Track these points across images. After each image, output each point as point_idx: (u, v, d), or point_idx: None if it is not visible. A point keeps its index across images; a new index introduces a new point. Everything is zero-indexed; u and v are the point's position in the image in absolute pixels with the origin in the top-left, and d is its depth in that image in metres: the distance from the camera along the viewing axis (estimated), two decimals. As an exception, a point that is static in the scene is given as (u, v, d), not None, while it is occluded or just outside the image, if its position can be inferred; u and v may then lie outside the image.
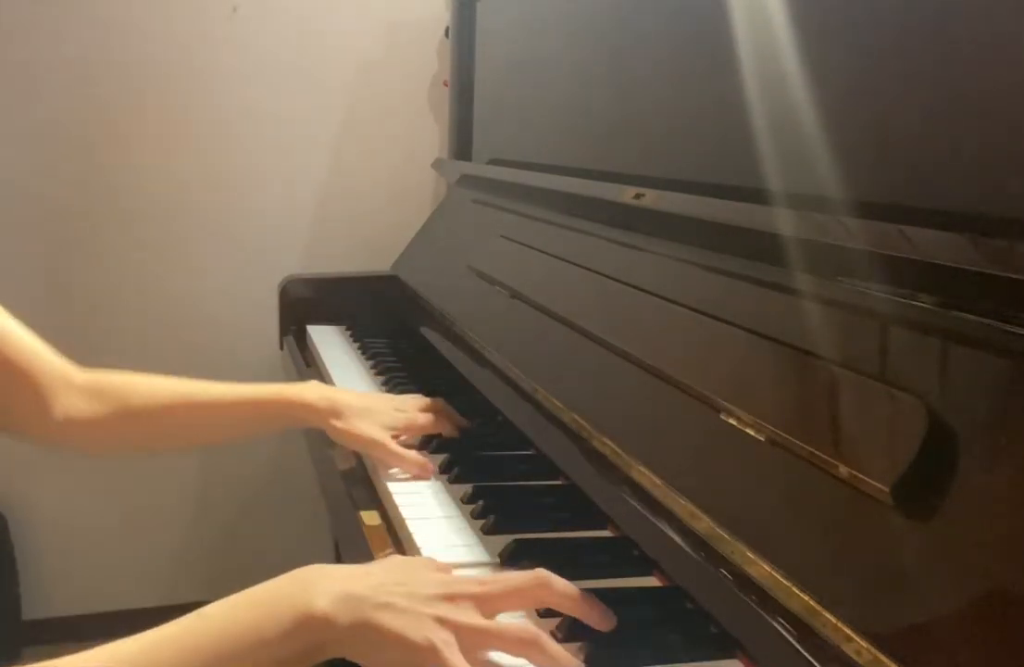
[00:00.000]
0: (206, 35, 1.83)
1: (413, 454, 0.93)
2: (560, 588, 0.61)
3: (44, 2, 1.74)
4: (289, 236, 1.94)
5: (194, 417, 0.94)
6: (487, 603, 0.59)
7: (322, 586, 0.57)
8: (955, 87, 0.60)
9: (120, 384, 0.94)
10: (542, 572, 0.62)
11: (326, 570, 0.60)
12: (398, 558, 0.67)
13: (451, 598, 0.58)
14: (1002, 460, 0.48)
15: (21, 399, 0.88)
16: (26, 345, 0.89)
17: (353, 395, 1.01)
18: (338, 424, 0.94)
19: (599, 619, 0.61)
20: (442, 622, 0.56)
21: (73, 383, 0.92)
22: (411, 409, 1.01)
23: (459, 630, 0.56)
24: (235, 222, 1.92)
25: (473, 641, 0.57)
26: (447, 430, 1.02)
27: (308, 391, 0.97)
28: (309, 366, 1.41)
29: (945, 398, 0.52)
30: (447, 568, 0.66)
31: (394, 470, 0.92)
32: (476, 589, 0.60)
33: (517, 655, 0.58)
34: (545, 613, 0.65)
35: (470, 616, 0.58)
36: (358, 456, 0.99)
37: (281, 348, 1.64)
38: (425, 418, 1.00)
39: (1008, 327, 0.50)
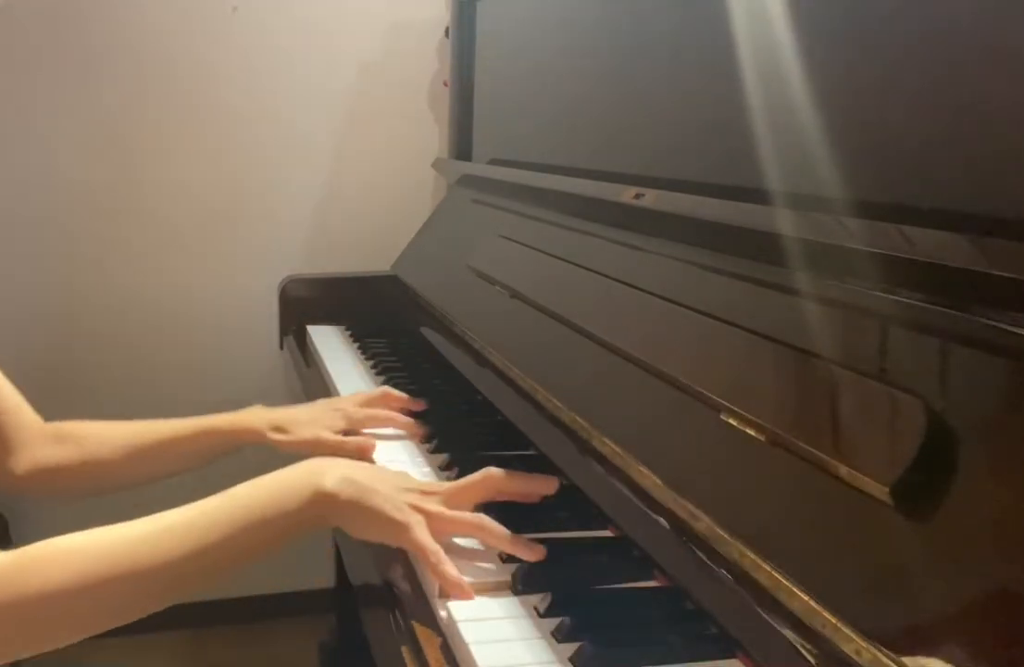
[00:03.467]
0: (206, 35, 1.83)
1: (352, 439, 1.00)
2: (504, 478, 0.77)
3: (43, 2, 1.74)
4: (289, 236, 1.94)
5: (148, 455, 1.01)
6: (451, 498, 0.76)
7: (329, 471, 0.73)
8: (955, 87, 0.60)
9: (79, 430, 1.00)
10: (493, 472, 0.77)
11: (333, 461, 0.76)
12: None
13: (423, 492, 0.75)
14: (1002, 460, 0.48)
15: None
16: (3, 395, 0.95)
17: (293, 409, 1.07)
18: (278, 437, 1.01)
19: (540, 486, 0.79)
20: (415, 508, 0.72)
21: (39, 432, 0.98)
22: (347, 406, 1.06)
23: (427, 515, 0.72)
24: (235, 222, 1.92)
25: (437, 525, 0.72)
26: (388, 424, 1.04)
27: (250, 415, 1.04)
28: (309, 366, 1.41)
29: (945, 398, 0.52)
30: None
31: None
32: (441, 488, 0.77)
33: (473, 537, 0.74)
34: (546, 613, 0.65)
35: (436, 506, 0.73)
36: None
37: (281, 348, 1.64)
38: (360, 413, 1.04)
39: (1008, 327, 0.50)
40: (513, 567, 0.70)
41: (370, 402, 1.07)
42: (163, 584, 0.66)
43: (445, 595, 0.67)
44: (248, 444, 1.03)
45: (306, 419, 1.03)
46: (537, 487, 0.80)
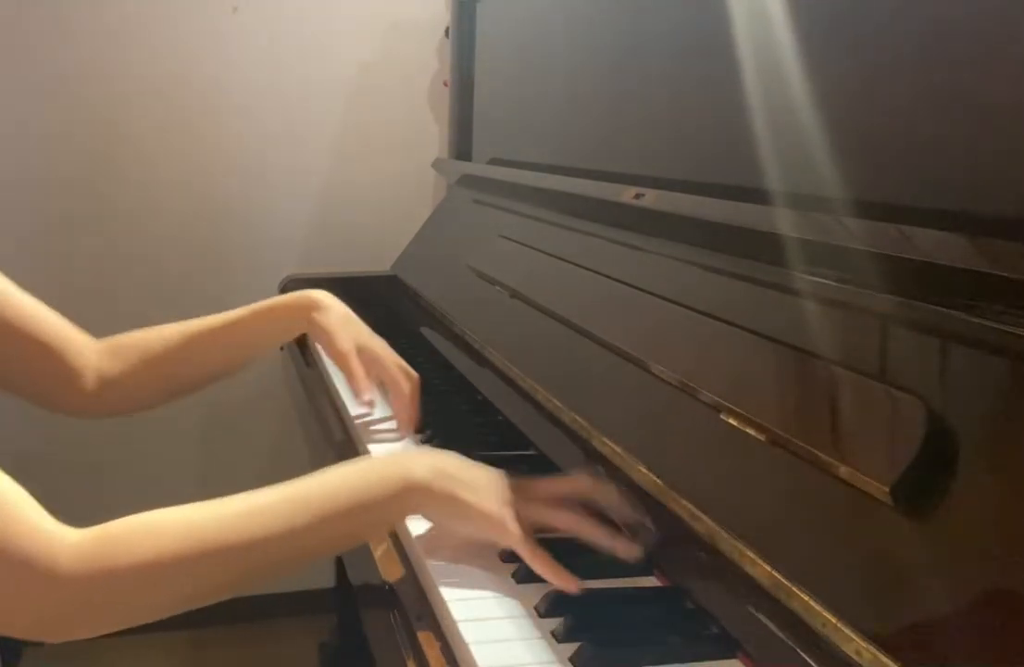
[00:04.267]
0: (206, 35, 1.83)
1: (362, 378, 1.02)
2: (598, 485, 0.75)
3: (43, 2, 1.74)
4: (289, 236, 1.94)
5: (209, 343, 1.02)
6: (542, 496, 0.73)
7: (420, 460, 0.71)
8: (955, 87, 0.60)
9: (134, 338, 1.01)
10: (586, 479, 0.76)
11: (423, 452, 0.77)
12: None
13: (516, 489, 0.72)
14: (1002, 460, 0.48)
15: (55, 374, 0.94)
16: (49, 320, 0.95)
17: (345, 312, 1.08)
18: (319, 318, 1.03)
19: (627, 514, 0.73)
20: (508, 504, 0.70)
21: (94, 348, 0.98)
22: (379, 344, 1.08)
23: (520, 511, 0.70)
24: (235, 222, 1.92)
25: (530, 517, 0.71)
26: (406, 390, 1.05)
27: (311, 292, 1.06)
28: (309, 366, 1.41)
29: (945, 398, 0.52)
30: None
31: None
32: (535, 486, 0.74)
33: (569, 532, 0.72)
34: (546, 613, 0.65)
35: (529, 503, 0.71)
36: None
37: (281, 348, 1.64)
38: (392, 361, 1.05)
39: (1008, 327, 0.50)
40: (513, 567, 0.70)
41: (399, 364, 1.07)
42: (249, 564, 0.65)
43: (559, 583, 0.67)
44: (304, 320, 1.04)
45: (344, 315, 1.06)
46: (622, 545, 0.72)
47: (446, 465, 0.72)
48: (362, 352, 1.04)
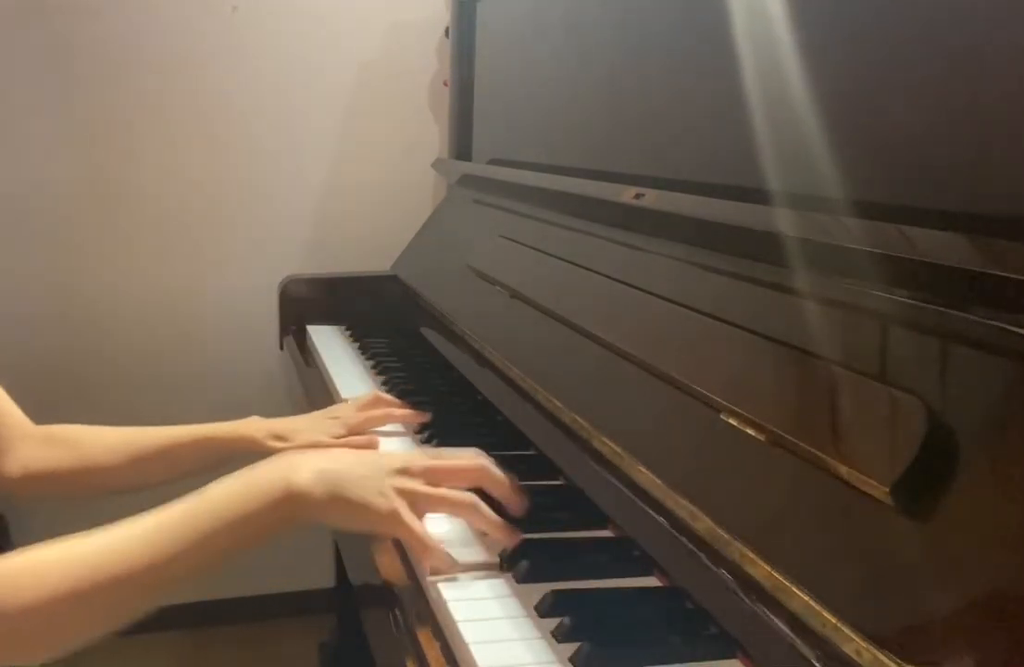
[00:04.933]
0: (206, 35, 1.83)
1: (353, 438, 0.99)
2: (495, 474, 0.75)
3: (43, 3, 1.74)
4: (289, 236, 1.94)
5: (143, 461, 1.00)
6: (435, 477, 0.73)
7: (302, 466, 0.70)
8: (955, 87, 0.60)
9: (73, 434, 0.99)
10: (482, 460, 0.76)
11: (306, 455, 0.74)
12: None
13: (406, 472, 0.72)
14: (1002, 460, 0.48)
15: None
16: None
17: (289, 420, 1.06)
18: (276, 444, 1.00)
19: (516, 505, 0.75)
20: (399, 491, 0.70)
21: (30, 435, 0.96)
22: (343, 413, 1.06)
23: (413, 496, 0.70)
24: (235, 222, 1.92)
25: (423, 505, 0.71)
26: (386, 421, 1.05)
27: (247, 424, 1.03)
28: (309, 366, 1.41)
29: (945, 398, 0.52)
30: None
31: None
32: (427, 463, 0.74)
33: (459, 516, 0.74)
34: (546, 613, 0.65)
35: (421, 485, 0.71)
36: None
37: (281, 348, 1.64)
38: (357, 417, 1.04)
39: (1008, 327, 0.50)
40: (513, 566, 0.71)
41: (363, 407, 1.06)
42: (139, 591, 0.65)
43: (435, 572, 0.68)
44: (245, 452, 1.01)
45: (304, 427, 1.02)
46: (513, 500, 0.76)
47: (329, 466, 0.71)
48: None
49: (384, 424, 1.05)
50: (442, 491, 0.72)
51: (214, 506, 0.68)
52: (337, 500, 0.68)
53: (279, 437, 1.00)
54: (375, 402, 1.07)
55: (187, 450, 1.00)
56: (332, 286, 1.66)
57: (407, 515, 0.69)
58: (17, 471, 0.95)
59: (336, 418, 1.05)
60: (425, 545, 0.69)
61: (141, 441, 1.00)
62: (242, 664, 1.89)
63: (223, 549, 0.67)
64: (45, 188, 1.81)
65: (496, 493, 0.75)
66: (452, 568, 0.69)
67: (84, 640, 0.63)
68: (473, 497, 0.72)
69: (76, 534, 0.65)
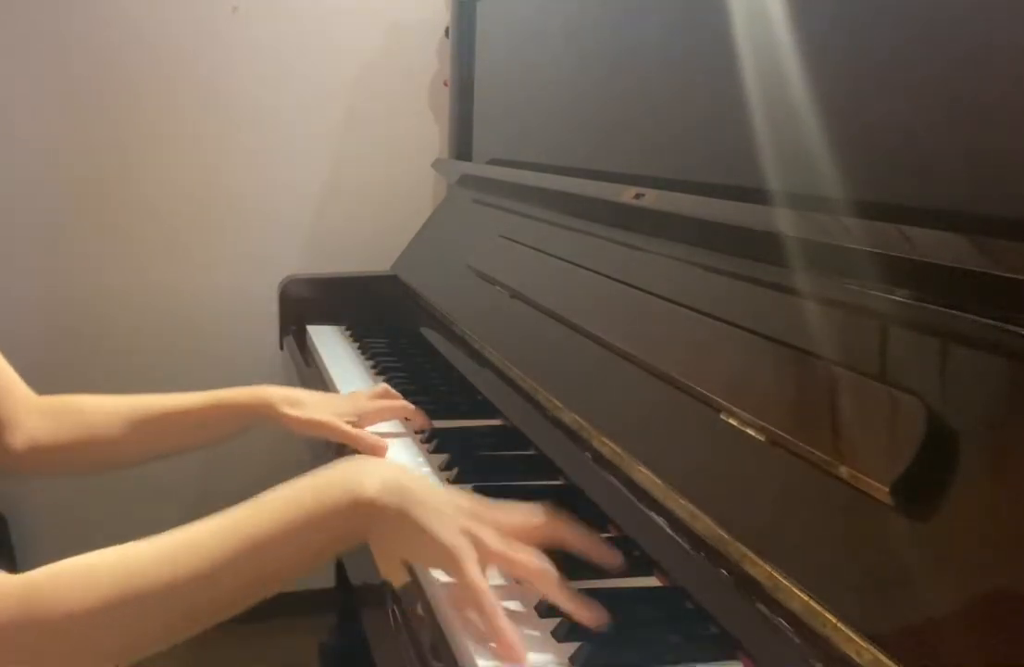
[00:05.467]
0: (206, 35, 1.83)
1: (365, 433, 0.96)
2: (570, 533, 0.67)
3: (43, 4, 1.74)
4: (289, 236, 1.95)
5: (153, 427, 0.96)
6: (511, 533, 0.64)
7: (372, 473, 0.63)
8: (955, 87, 0.60)
9: (78, 404, 0.95)
10: (560, 524, 0.67)
11: (374, 461, 0.68)
12: None
13: (479, 516, 0.64)
14: (1002, 460, 0.48)
15: None
16: None
17: (309, 393, 1.04)
18: (289, 411, 0.97)
19: (609, 558, 0.66)
20: (467, 533, 0.61)
21: (34, 407, 0.93)
22: (360, 398, 1.04)
23: (484, 547, 0.61)
24: (235, 222, 1.92)
25: (493, 560, 0.62)
26: (399, 413, 1.04)
27: (265, 388, 1.00)
28: (309, 366, 1.41)
29: (945, 398, 0.52)
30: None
31: None
32: (501, 517, 0.65)
33: (531, 584, 0.63)
34: (546, 613, 0.65)
35: (493, 538, 0.62)
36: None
37: (281, 348, 1.64)
38: (373, 405, 1.03)
39: (1008, 327, 0.50)
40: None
41: (375, 396, 1.06)
42: (187, 607, 0.59)
43: (497, 655, 0.58)
44: (260, 418, 0.98)
45: (318, 401, 1.00)
46: (598, 554, 0.67)
47: (404, 481, 0.64)
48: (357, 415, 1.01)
49: (396, 417, 1.04)
50: (520, 556, 0.63)
51: (272, 516, 0.61)
52: (408, 522, 0.61)
53: (293, 404, 0.97)
54: (384, 394, 1.07)
55: (199, 415, 0.97)
56: (332, 286, 1.66)
57: (471, 564, 0.60)
58: (23, 445, 0.91)
59: (349, 402, 1.04)
60: (490, 612, 0.59)
61: (150, 408, 0.96)
62: (242, 664, 1.89)
63: (281, 566, 0.61)
64: (44, 188, 1.81)
65: (579, 548, 0.66)
66: (512, 653, 0.58)
67: (125, 658, 0.58)
68: (553, 570, 0.62)
69: (117, 546, 0.60)
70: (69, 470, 1.00)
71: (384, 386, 1.09)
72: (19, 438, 0.92)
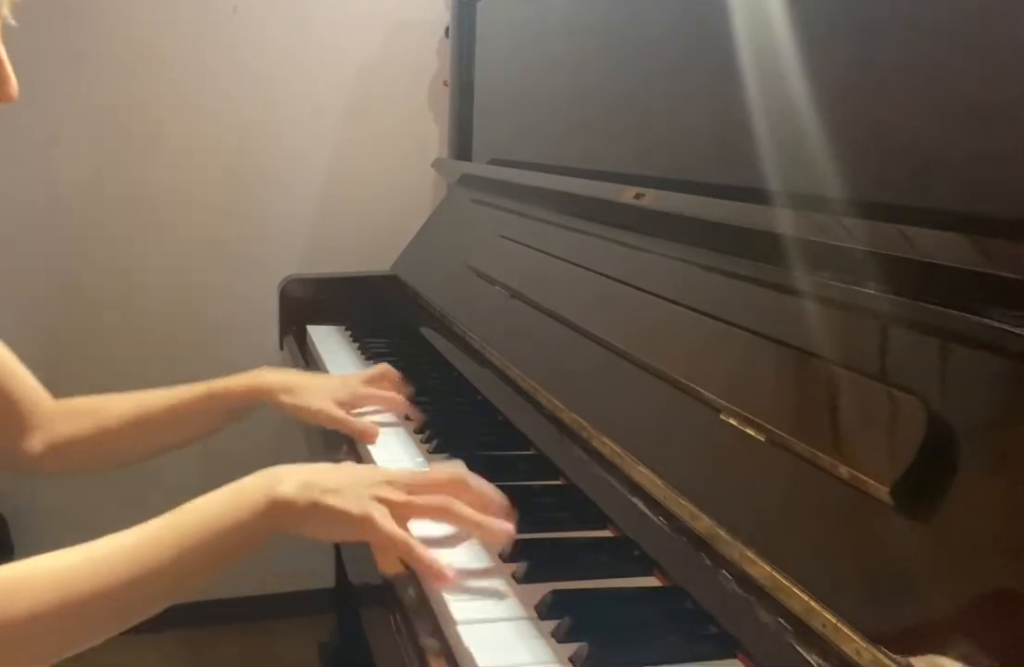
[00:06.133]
0: (206, 35, 1.83)
1: (352, 420, 1.00)
2: (475, 488, 0.73)
3: (43, 2, 1.74)
4: (289, 236, 1.95)
5: (158, 422, 0.99)
6: (414, 489, 0.72)
7: (283, 477, 0.70)
8: (955, 87, 0.60)
9: (90, 405, 0.99)
10: (461, 474, 0.74)
11: (287, 467, 0.73)
12: (351, 463, 0.80)
13: (388, 484, 0.72)
14: (1002, 460, 0.48)
15: (3, 427, 0.93)
16: (16, 373, 0.94)
17: (305, 376, 1.07)
18: (287, 399, 1.00)
19: (497, 514, 0.72)
20: (378, 499, 0.69)
21: (52, 410, 0.96)
22: (353, 382, 1.07)
23: (390, 504, 0.69)
24: (235, 222, 1.92)
25: (402, 512, 0.70)
26: (393, 396, 1.06)
27: (259, 375, 1.03)
28: (309, 366, 1.41)
29: (945, 398, 0.52)
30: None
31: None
32: (407, 478, 0.73)
33: (439, 520, 0.72)
34: (546, 614, 0.65)
35: (399, 495, 0.71)
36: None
37: (281, 348, 1.64)
38: (367, 390, 1.06)
39: (1008, 327, 0.50)
40: (513, 567, 0.71)
41: (371, 380, 1.08)
42: (121, 606, 0.63)
43: (431, 583, 0.66)
44: (258, 404, 1.02)
45: (314, 386, 1.03)
46: (491, 511, 0.73)
47: (314, 478, 0.70)
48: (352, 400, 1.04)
49: (384, 405, 1.06)
50: (418, 497, 0.71)
51: (197, 518, 0.67)
52: (317, 508, 0.68)
53: (289, 391, 1.01)
54: (383, 376, 1.09)
55: (199, 405, 1.00)
56: (332, 286, 1.66)
57: (383, 520, 0.68)
58: (42, 447, 0.95)
59: (345, 385, 1.06)
60: (404, 550, 0.67)
61: (152, 403, 0.99)
62: (242, 664, 1.89)
63: (205, 562, 0.66)
64: (43, 188, 1.81)
65: (476, 505, 0.73)
66: (442, 576, 0.66)
67: (61, 656, 0.62)
68: (448, 499, 0.71)
69: (50, 553, 0.63)
70: (86, 468, 1.03)
71: (383, 367, 1.11)
72: (39, 440, 0.95)
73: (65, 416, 0.96)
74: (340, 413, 1.00)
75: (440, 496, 0.72)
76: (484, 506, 0.73)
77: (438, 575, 0.66)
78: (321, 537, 0.71)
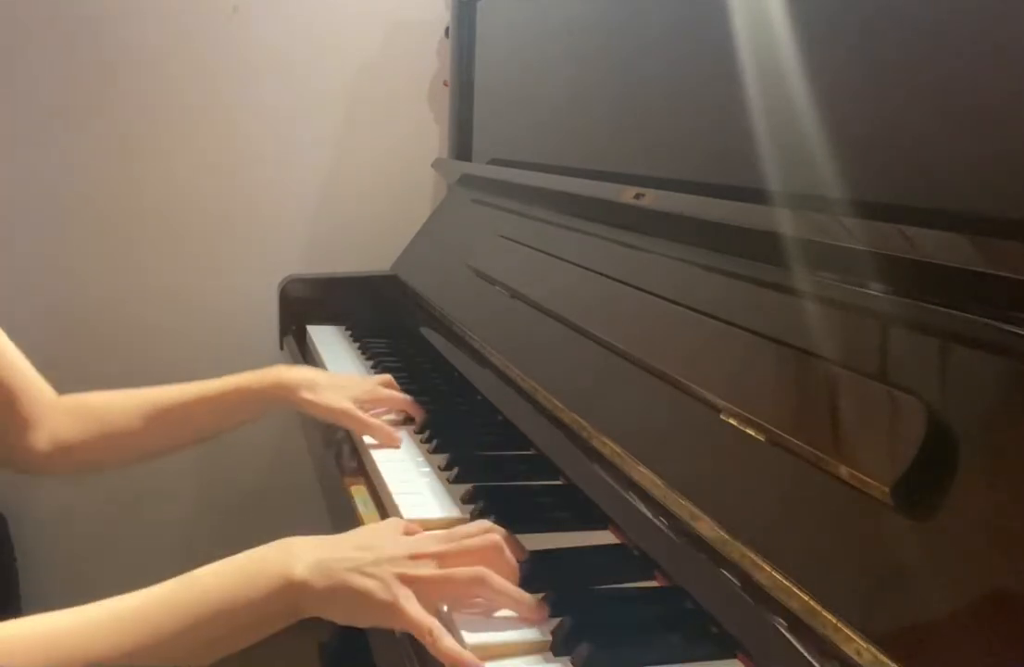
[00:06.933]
0: (206, 35, 1.83)
1: (380, 424, 0.99)
2: (508, 557, 0.67)
3: (44, 2, 1.74)
4: (289, 236, 1.94)
5: (173, 417, 0.97)
6: (445, 560, 0.65)
7: (300, 555, 0.64)
8: (955, 87, 0.60)
9: (97, 401, 0.96)
10: (495, 539, 0.68)
11: (304, 540, 0.67)
12: (370, 525, 0.73)
13: (413, 557, 0.65)
14: (1002, 460, 0.48)
15: (8, 424, 0.90)
16: (19, 368, 0.91)
17: (322, 374, 1.06)
18: (309, 396, 0.99)
19: (522, 605, 0.65)
20: (403, 579, 0.62)
21: (56, 406, 0.94)
22: (372, 384, 1.07)
23: (418, 583, 0.63)
24: (235, 222, 1.92)
25: (431, 590, 0.63)
26: (398, 405, 1.06)
27: (280, 371, 1.02)
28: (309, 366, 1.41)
29: (945, 398, 0.52)
30: (414, 528, 0.72)
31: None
32: (435, 548, 0.66)
33: (474, 596, 0.65)
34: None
35: (428, 570, 0.64)
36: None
37: (281, 348, 1.64)
38: (386, 392, 1.06)
39: (1008, 327, 0.50)
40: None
41: (386, 384, 1.09)
42: None
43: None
44: (278, 401, 1.00)
45: (332, 384, 1.02)
46: (531, 602, 0.65)
47: (329, 555, 0.64)
48: (366, 401, 1.04)
49: (392, 406, 1.06)
50: (447, 571, 0.65)
51: (205, 592, 0.61)
52: (337, 591, 0.62)
53: (311, 388, 0.99)
54: (388, 383, 1.10)
55: (216, 402, 0.97)
56: (332, 286, 1.66)
57: (409, 606, 0.61)
58: (48, 445, 0.92)
59: (359, 384, 1.06)
60: (430, 641, 0.60)
61: (166, 399, 0.97)
62: (242, 664, 1.89)
63: (210, 642, 0.61)
64: (43, 188, 1.81)
65: (507, 573, 0.67)
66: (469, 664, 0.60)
67: None
68: (483, 571, 0.64)
69: (43, 614, 0.58)
70: (92, 467, 1.00)
71: (387, 377, 1.12)
72: (43, 438, 0.92)
73: (71, 413, 0.94)
74: (363, 414, 0.99)
75: (473, 568, 0.65)
76: (513, 572, 0.68)
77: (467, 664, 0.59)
78: (341, 621, 0.64)
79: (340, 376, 1.11)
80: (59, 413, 0.93)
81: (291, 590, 0.62)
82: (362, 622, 0.64)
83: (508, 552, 0.68)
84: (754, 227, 0.75)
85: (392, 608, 0.61)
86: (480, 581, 0.64)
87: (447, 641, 0.59)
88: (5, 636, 0.57)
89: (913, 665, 0.45)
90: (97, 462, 0.98)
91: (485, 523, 0.71)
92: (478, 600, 0.65)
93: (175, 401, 0.97)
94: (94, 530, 1.93)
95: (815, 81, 0.72)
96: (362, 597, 0.61)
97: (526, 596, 0.64)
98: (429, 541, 0.68)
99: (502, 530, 0.70)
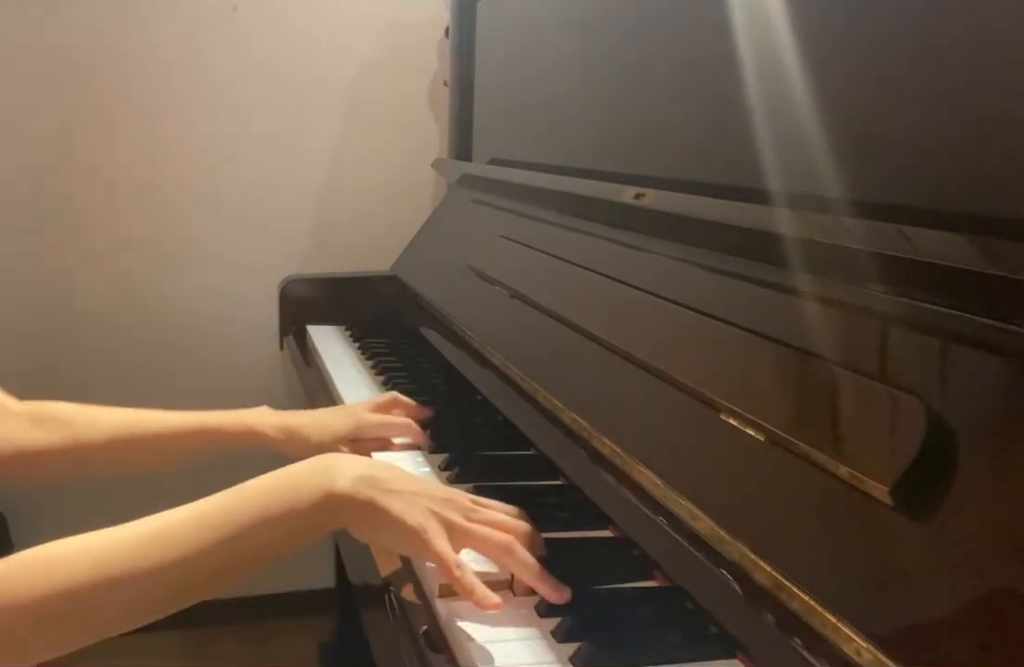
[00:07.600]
0: (205, 35, 1.83)
1: (369, 445, 0.97)
2: (532, 546, 0.68)
3: (43, 2, 1.74)
4: (289, 236, 1.94)
5: (140, 446, 0.94)
6: (474, 519, 0.68)
7: (345, 469, 0.67)
8: (955, 86, 0.60)
9: (64, 412, 0.93)
10: (526, 525, 0.70)
11: (347, 458, 0.71)
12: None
13: (448, 502, 0.68)
14: (1002, 460, 0.48)
15: None
16: None
17: (302, 415, 1.01)
18: (283, 448, 0.96)
19: (548, 587, 0.66)
20: (436, 515, 0.66)
21: (11, 412, 0.91)
22: (359, 411, 1.00)
23: (450, 525, 0.66)
24: (235, 222, 1.92)
25: (457, 538, 0.66)
26: (401, 432, 1.00)
27: (255, 416, 0.98)
28: (309, 366, 1.41)
29: (945, 398, 0.52)
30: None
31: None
32: (467, 504, 0.69)
33: (493, 558, 0.67)
34: (546, 613, 0.65)
35: (459, 517, 0.67)
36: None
37: (281, 348, 1.64)
38: (370, 420, 0.99)
39: (1008, 327, 0.50)
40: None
41: (379, 408, 1.02)
42: (163, 589, 0.61)
43: (478, 605, 0.62)
44: (250, 447, 0.97)
45: (314, 424, 0.98)
46: (545, 585, 0.66)
47: (373, 473, 0.67)
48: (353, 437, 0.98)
49: (396, 432, 0.99)
50: (483, 528, 0.67)
51: (247, 503, 0.64)
52: (376, 509, 0.65)
53: (287, 437, 0.96)
54: (393, 403, 1.03)
55: (188, 439, 0.95)
56: (332, 286, 1.66)
57: (438, 539, 0.64)
58: (7, 453, 0.89)
59: (351, 416, 0.99)
60: (457, 575, 0.63)
61: (140, 425, 0.94)
62: (242, 664, 1.89)
63: (255, 551, 0.64)
64: (42, 187, 1.81)
65: (532, 555, 0.68)
66: (489, 604, 0.62)
67: (95, 638, 0.60)
68: (513, 541, 0.66)
69: (97, 531, 0.62)
70: (50, 479, 0.99)
71: (394, 395, 1.04)
72: (3, 446, 0.89)
73: (32, 421, 0.91)
74: (340, 450, 0.95)
75: (505, 535, 0.67)
76: (528, 579, 0.67)
77: (486, 606, 0.62)
78: (366, 540, 0.68)
79: (327, 412, 1.03)
80: (18, 420, 0.90)
81: (333, 501, 0.65)
82: (384, 544, 0.68)
83: (533, 542, 0.70)
84: (754, 227, 0.75)
85: (421, 537, 0.64)
86: (509, 548, 0.66)
87: (471, 577, 0.62)
88: (50, 553, 0.61)
89: (913, 665, 0.45)
90: (59, 475, 0.96)
91: (516, 509, 0.72)
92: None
93: (146, 429, 0.94)
94: (94, 530, 1.92)
95: (816, 81, 0.72)
96: (394, 519, 0.64)
97: (549, 576, 0.65)
98: (463, 495, 0.71)
99: (529, 523, 0.71)
